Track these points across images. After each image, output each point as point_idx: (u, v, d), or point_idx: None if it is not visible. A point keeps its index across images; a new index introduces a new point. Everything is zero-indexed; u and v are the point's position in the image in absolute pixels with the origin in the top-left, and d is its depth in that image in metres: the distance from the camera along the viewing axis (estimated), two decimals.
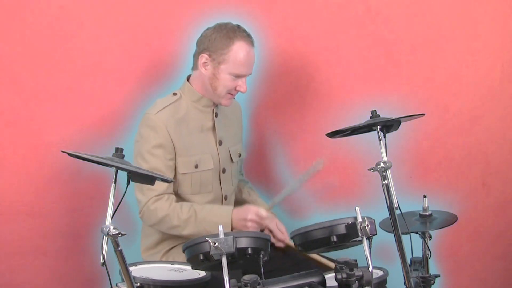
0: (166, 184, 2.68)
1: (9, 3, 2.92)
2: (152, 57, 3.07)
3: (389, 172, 2.28)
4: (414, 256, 2.59)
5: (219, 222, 2.54)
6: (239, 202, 2.97)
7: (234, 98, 2.82)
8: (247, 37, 2.72)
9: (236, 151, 2.91)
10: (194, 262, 2.17)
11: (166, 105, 2.74)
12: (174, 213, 2.69)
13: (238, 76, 2.71)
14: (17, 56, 2.96)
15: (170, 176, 2.70)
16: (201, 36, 2.77)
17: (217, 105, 2.83)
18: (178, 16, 3.06)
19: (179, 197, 2.79)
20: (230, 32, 2.70)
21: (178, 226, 2.70)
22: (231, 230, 2.68)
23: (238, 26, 2.74)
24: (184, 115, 2.76)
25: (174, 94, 2.80)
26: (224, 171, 2.85)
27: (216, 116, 2.83)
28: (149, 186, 2.56)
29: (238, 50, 2.69)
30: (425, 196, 2.72)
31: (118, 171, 2.07)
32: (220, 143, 2.84)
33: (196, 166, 2.76)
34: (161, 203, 2.69)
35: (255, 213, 2.71)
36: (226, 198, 2.87)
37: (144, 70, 3.06)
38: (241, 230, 2.64)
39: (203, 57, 2.73)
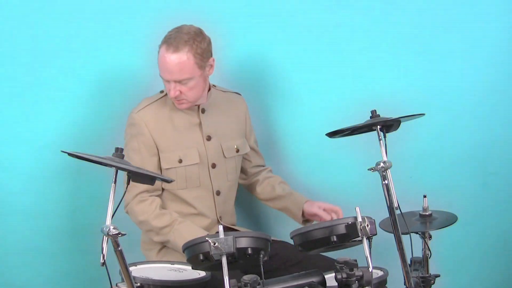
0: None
1: (9, 3, 2.93)
2: (152, 57, 3.07)
3: (389, 172, 2.28)
4: (414, 256, 2.58)
5: (188, 238, 2.31)
6: (274, 199, 2.98)
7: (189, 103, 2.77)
8: (169, 41, 2.68)
9: (230, 147, 2.91)
10: (194, 262, 2.17)
11: (151, 103, 2.80)
12: (155, 219, 2.72)
13: (165, 80, 2.72)
14: (17, 56, 2.96)
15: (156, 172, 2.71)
16: None
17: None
18: (176, 15, 3.05)
19: (167, 193, 2.81)
20: (164, 37, 2.72)
21: (151, 231, 2.75)
22: None
23: (178, 28, 2.71)
24: (170, 111, 2.81)
25: (161, 91, 2.84)
26: (214, 166, 2.85)
27: (203, 112, 2.84)
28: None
29: (159, 54, 2.71)
30: (425, 196, 2.72)
31: (118, 171, 2.07)
32: (209, 138, 2.85)
33: (180, 161, 2.79)
34: (144, 206, 2.73)
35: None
36: (218, 194, 2.87)
37: (143, 70, 3.06)
38: None
39: None
